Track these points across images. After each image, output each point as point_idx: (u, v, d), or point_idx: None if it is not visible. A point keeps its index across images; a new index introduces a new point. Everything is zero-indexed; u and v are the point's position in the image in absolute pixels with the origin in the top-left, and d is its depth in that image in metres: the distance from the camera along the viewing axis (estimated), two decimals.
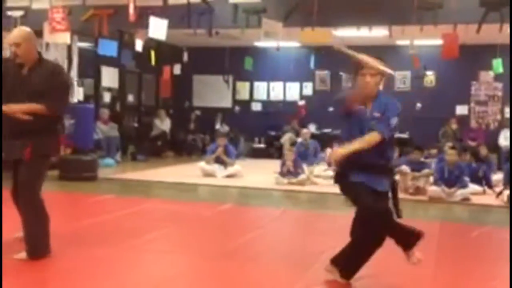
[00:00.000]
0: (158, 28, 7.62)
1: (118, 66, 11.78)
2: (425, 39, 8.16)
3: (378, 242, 3.51)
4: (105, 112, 11.24)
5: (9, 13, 8.86)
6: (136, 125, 13.32)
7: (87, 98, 11.23)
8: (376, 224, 3.46)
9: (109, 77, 12.15)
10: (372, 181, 3.48)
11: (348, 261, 3.64)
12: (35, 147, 3.83)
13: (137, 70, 12.73)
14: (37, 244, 3.95)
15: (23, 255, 3.91)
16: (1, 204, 4.57)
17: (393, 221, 3.57)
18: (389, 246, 3.61)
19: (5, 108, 3.76)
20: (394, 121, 3.50)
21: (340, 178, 3.66)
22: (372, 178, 3.49)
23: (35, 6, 8.66)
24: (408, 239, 3.62)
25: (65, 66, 10.50)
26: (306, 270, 3.95)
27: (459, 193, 7.47)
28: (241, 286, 3.67)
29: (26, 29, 4.06)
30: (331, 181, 8.19)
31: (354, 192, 3.56)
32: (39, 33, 8.69)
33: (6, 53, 6.07)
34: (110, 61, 10.95)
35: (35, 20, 8.40)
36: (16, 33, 3.93)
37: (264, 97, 14.18)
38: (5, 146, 3.88)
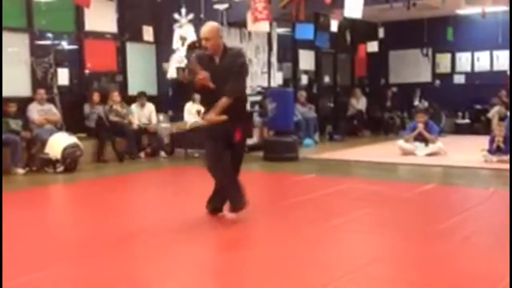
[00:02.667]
0: (354, 6, 7.59)
1: (314, 48, 12.02)
2: None
3: None
4: (302, 94, 11.60)
5: (215, 6, 9.65)
6: (332, 105, 13.50)
7: (286, 81, 11.72)
8: None
9: (306, 60, 12.48)
10: None
11: None
12: (242, 131, 4.58)
13: (332, 51, 12.84)
14: (240, 200, 4.65)
15: (232, 215, 4.67)
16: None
17: None
18: None
19: (207, 121, 4.50)
20: None
21: None
22: None
23: None
24: None
25: (266, 52, 11.11)
26: None
27: None
28: (451, 271, 3.50)
29: (214, 24, 4.54)
30: None
31: None
32: (243, 23, 9.35)
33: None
34: (306, 44, 11.24)
35: (238, 12, 9.03)
36: (206, 29, 4.50)
37: (468, 69, 13.18)
38: (218, 130, 4.50)
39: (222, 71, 4.41)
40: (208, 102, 4.54)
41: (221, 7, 9.54)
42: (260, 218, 4.90)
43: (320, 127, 11.84)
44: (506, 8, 10.43)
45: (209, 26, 4.53)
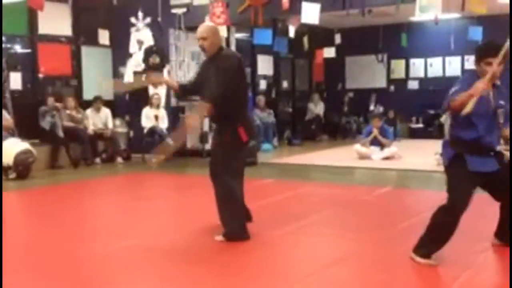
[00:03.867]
0: (310, 13, 7.68)
1: (273, 53, 12.10)
2: None
3: None
4: (261, 99, 11.64)
5: (173, 10, 9.58)
6: (290, 110, 13.60)
7: None
8: None
9: (264, 65, 12.55)
10: None
11: None
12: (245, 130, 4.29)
13: (290, 56, 12.95)
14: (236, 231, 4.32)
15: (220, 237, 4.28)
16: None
17: None
18: None
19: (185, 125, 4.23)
20: None
21: None
22: None
23: (197, 2, 9.24)
24: None
25: None
26: (479, 254, 3.72)
27: None
28: (407, 272, 3.57)
29: (211, 24, 4.39)
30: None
31: None
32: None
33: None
34: (265, 50, 11.30)
35: (196, 16, 8.98)
36: (202, 28, 4.26)
37: (422, 74, 13.54)
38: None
39: (211, 73, 4.18)
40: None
41: (179, 11, 9.48)
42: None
43: (278, 131, 11.91)
44: (458, 15, 10.79)
45: (206, 25, 4.36)
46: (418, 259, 3.61)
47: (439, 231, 3.59)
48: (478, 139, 3.46)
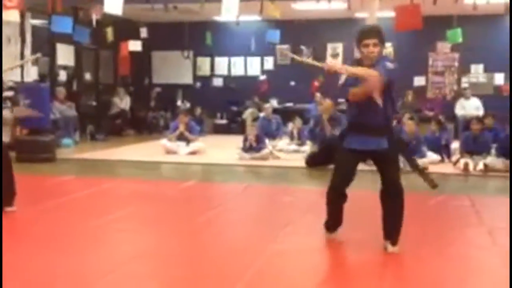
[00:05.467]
0: (114, 3, 7.43)
1: (74, 43, 11.44)
2: (383, 11, 8.22)
3: None
4: (61, 91, 10.92)
5: None
6: (94, 103, 13.03)
7: (42, 77, 10.90)
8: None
9: (65, 54, 11.79)
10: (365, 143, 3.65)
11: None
12: None
13: (93, 47, 12.39)
14: None
15: None
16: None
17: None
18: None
19: None
20: (390, 65, 3.60)
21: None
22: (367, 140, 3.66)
23: None
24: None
25: (18, 44, 10.17)
26: (270, 243, 3.99)
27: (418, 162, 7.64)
28: (205, 263, 3.67)
29: None
30: (294, 155, 8.33)
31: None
32: None
33: None
34: (65, 38, 10.62)
35: None
36: None
37: (225, 73, 14.08)
38: None
39: None
40: None
41: None
42: (17, 224, 4.45)
43: (81, 126, 11.32)
44: (258, 18, 11.46)
45: None
46: (324, 231, 4.00)
47: (328, 206, 3.88)
48: (354, 120, 3.74)
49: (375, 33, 3.68)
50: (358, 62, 3.76)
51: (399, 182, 3.73)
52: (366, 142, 3.68)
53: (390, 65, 3.61)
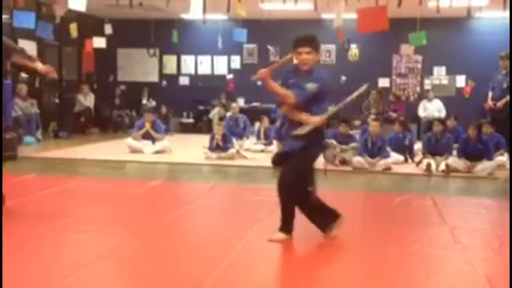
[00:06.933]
0: None
1: (36, 39, 11.16)
2: (349, 13, 8.31)
3: None
4: (23, 88, 10.66)
5: None
6: (57, 101, 12.75)
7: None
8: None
9: (27, 50, 11.47)
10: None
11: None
12: None
13: (57, 43, 12.13)
14: None
15: None
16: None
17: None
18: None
19: None
20: (320, 79, 3.82)
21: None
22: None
23: None
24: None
25: None
26: (238, 241, 3.98)
27: (382, 163, 7.77)
28: (172, 262, 3.63)
29: None
30: (261, 155, 8.37)
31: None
32: None
33: None
34: (27, 34, 10.35)
35: None
36: None
37: (192, 71, 14.00)
38: None
39: None
40: None
41: None
42: None
43: (43, 124, 11.06)
44: (225, 17, 11.42)
45: None
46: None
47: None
48: (286, 126, 3.99)
49: (309, 41, 3.86)
50: (296, 68, 3.94)
51: (287, 177, 3.91)
52: (284, 144, 4.07)
53: (320, 79, 3.83)
